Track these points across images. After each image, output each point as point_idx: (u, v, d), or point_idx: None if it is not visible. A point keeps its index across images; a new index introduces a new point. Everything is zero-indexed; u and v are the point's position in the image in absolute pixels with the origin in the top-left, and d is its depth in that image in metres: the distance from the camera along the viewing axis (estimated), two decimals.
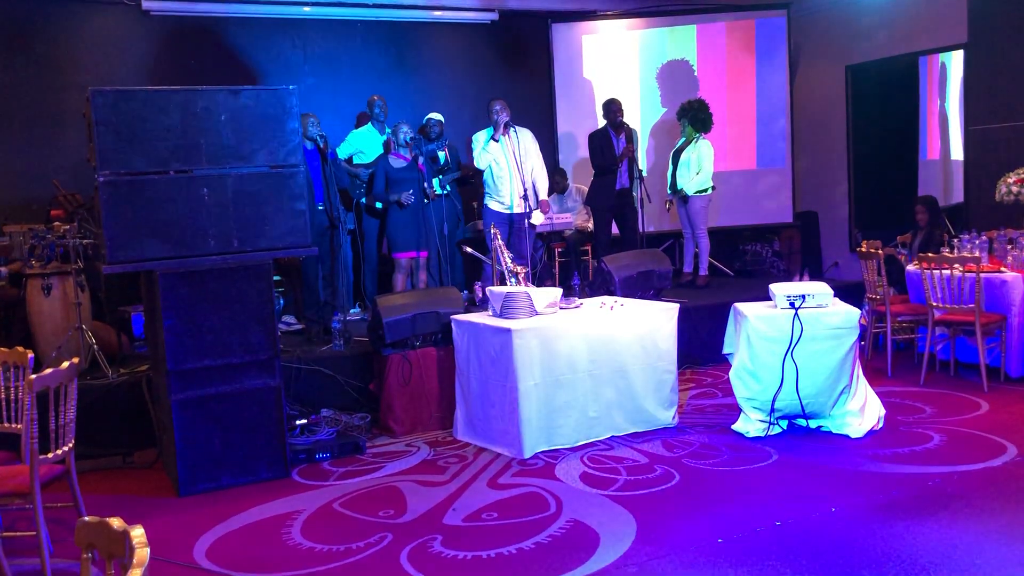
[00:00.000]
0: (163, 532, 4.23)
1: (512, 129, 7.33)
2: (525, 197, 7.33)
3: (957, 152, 8.97)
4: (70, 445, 3.89)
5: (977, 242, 6.44)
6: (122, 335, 6.20)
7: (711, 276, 8.49)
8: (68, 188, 6.98)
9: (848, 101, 9.70)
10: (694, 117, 8.26)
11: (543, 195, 7.53)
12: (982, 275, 6.00)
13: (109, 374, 5.51)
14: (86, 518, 1.96)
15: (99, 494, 4.82)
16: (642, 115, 9.53)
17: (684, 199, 8.24)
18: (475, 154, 7.39)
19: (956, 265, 6.01)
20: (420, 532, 4.07)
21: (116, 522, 1.89)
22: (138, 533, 1.83)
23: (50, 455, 3.78)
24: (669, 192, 8.42)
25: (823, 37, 9.91)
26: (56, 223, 6.01)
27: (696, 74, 9.63)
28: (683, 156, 8.25)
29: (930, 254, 6.27)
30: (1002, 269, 6.27)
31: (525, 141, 7.37)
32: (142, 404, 5.41)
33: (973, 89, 8.40)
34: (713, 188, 8.33)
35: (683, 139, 8.35)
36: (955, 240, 6.64)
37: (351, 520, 4.27)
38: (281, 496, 4.66)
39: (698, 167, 8.16)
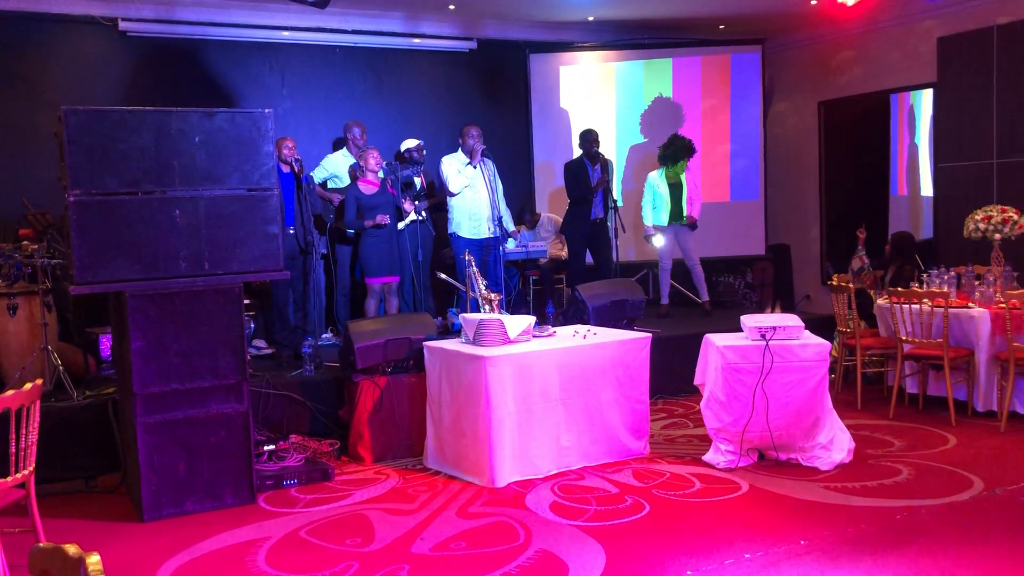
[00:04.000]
0: (125, 559, 4.15)
1: (485, 157, 7.39)
2: (500, 223, 7.36)
3: (927, 188, 9.11)
4: (31, 469, 3.81)
5: (946, 277, 6.52)
6: (89, 357, 6.11)
7: (672, 306, 8.53)
8: (38, 207, 6.90)
9: (821, 136, 9.85)
10: (681, 149, 8.28)
11: (511, 225, 7.59)
12: (950, 310, 6.07)
13: (74, 396, 5.42)
14: (41, 544, 1.91)
15: (60, 519, 4.72)
16: (618, 146, 9.60)
17: (693, 226, 8.28)
18: (450, 179, 7.37)
19: (925, 300, 6.08)
20: (388, 561, 4.02)
21: (72, 548, 1.84)
22: (94, 560, 1.79)
23: (10, 479, 3.70)
24: (652, 224, 8.39)
25: (797, 73, 10.07)
26: (24, 242, 5.93)
27: (671, 107, 9.73)
28: (684, 186, 8.28)
29: (899, 288, 6.35)
30: (970, 304, 6.35)
31: (492, 170, 7.44)
32: (107, 427, 5.32)
33: (942, 127, 8.55)
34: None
35: (670, 173, 8.32)
36: (924, 275, 6.72)
37: (318, 548, 4.21)
38: (247, 523, 4.59)
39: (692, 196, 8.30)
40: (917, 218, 9.58)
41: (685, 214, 8.27)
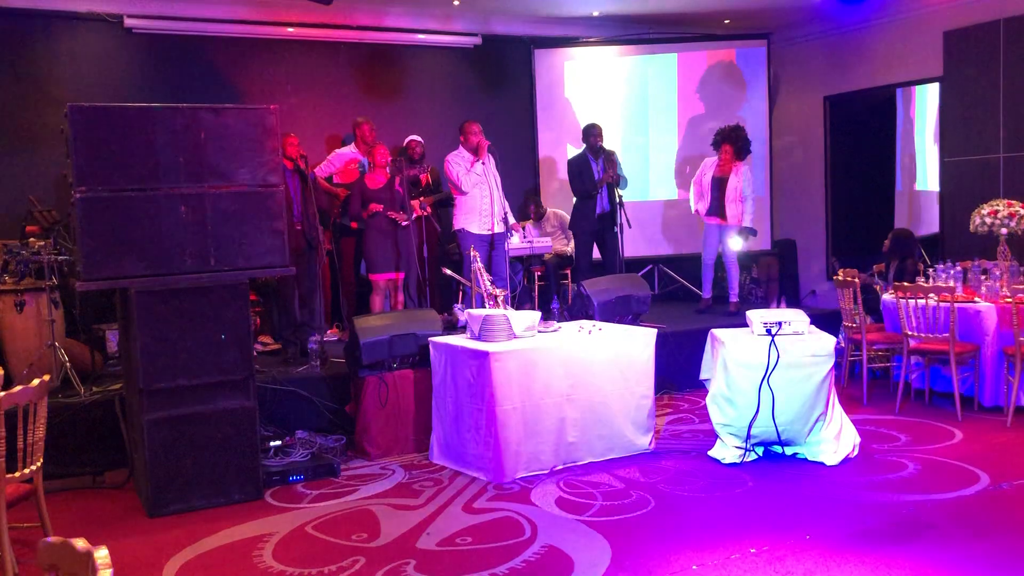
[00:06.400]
0: (132, 554, 4.16)
1: (490, 153, 7.38)
2: (505, 219, 7.35)
3: (933, 183, 9.09)
4: (38, 464, 3.83)
5: (952, 272, 6.51)
6: (96, 353, 6.13)
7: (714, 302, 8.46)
8: (45, 204, 6.92)
9: (826, 131, 9.82)
10: (736, 141, 8.07)
11: (511, 219, 7.57)
12: (956, 305, 6.06)
13: (81, 392, 5.44)
14: (49, 539, 1.92)
15: (68, 514, 4.75)
16: (623, 141, 9.58)
17: (744, 234, 8.05)
18: (460, 178, 7.33)
19: (931, 295, 6.07)
20: (393, 556, 4.03)
21: (80, 543, 1.85)
22: (102, 554, 1.80)
23: (17, 474, 3.72)
24: (693, 210, 8.26)
25: (802, 68, 10.04)
26: (31, 239, 5.96)
27: (676, 101, 9.71)
28: (729, 185, 8.00)
29: (905, 283, 6.34)
30: (976, 299, 6.34)
31: (494, 165, 7.41)
32: (114, 423, 5.35)
33: (948, 122, 8.53)
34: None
35: (717, 166, 8.12)
36: (930, 270, 6.71)
37: (324, 543, 4.23)
38: (253, 518, 4.61)
39: (744, 194, 8.01)
40: (923, 212, 9.56)
41: (727, 213, 7.97)
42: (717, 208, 8.10)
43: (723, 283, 8.45)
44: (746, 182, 8.06)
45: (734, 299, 8.31)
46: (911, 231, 7.86)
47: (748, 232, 8.07)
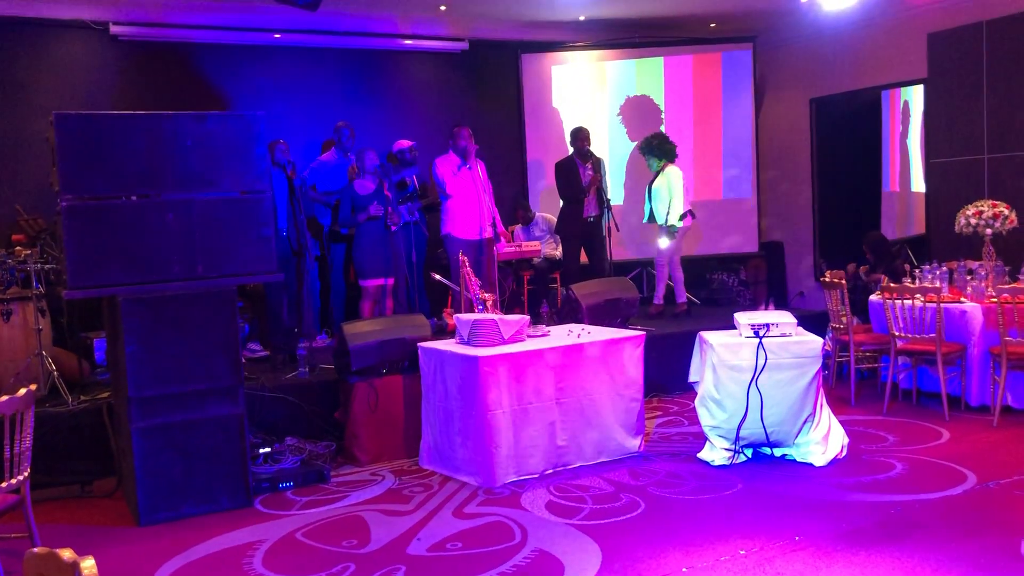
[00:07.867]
0: (121, 563, 4.15)
1: (478, 158, 7.39)
2: (493, 224, 7.35)
3: (919, 184, 9.14)
4: (26, 474, 3.82)
5: (938, 272, 6.54)
6: (83, 362, 6.11)
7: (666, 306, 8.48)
8: (31, 213, 6.89)
9: (813, 133, 9.86)
10: (658, 148, 8.23)
11: (501, 226, 7.57)
12: (943, 305, 6.09)
13: (69, 401, 5.42)
14: (35, 549, 1.92)
15: (56, 524, 4.72)
16: (610, 145, 9.61)
17: (669, 229, 8.18)
18: (445, 180, 7.35)
19: (917, 295, 6.10)
20: (384, 562, 4.03)
21: (66, 553, 1.85)
22: (88, 564, 1.79)
23: (4, 484, 3.70)
24: (646, 222, 8.40)
25: (788, 70, 10.09)
26: (17, 247, 5.93)
27: (663, 105, 9.75)
28: (654, 187, 8.21)
29: (892, 284, 6.37)
30: (962, 299, 6.38)
31: (483, 171, 7.41)
32: (102, 432, 5.32)
33: (933, 123, 8.57)
34: (693, 214, 8.31)
35: (654, 172, 8.28)
36: (916, 271, 6.74)
37: (314, 550, 4.22)
38: (243, 526, 4.60)
39: (669, 196, 8.14)
40: (909, 213, 9.61)
41: (655, 215, 8.17)
42: (650, 214, 8.25)
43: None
44: (672, 182, 8.14)
45: (681, 299, 8.35)
46: (883, 234, 7.91)
47: (669, 230, 8.17)
